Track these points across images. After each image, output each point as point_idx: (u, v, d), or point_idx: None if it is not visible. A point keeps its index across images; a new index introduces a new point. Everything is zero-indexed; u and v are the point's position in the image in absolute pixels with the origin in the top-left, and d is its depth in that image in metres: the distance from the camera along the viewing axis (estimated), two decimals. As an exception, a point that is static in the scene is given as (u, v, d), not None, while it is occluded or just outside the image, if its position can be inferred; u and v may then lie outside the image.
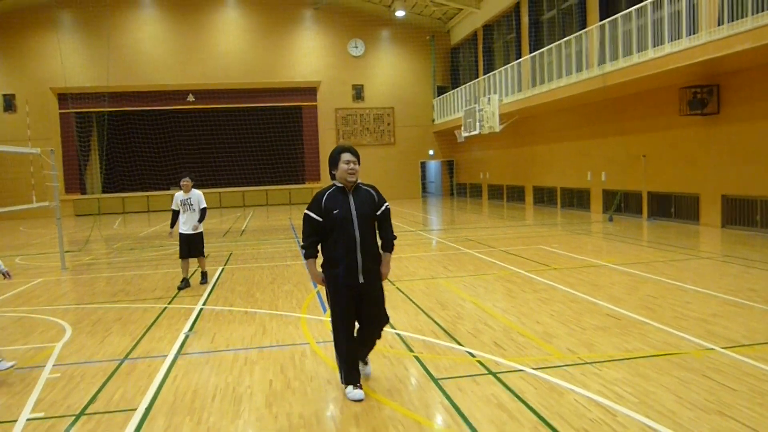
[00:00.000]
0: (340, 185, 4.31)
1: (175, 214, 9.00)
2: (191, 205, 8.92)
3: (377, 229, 4.41)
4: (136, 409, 4.22)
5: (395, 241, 4.48)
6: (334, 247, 4.24)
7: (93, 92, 26.56)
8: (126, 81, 28.10)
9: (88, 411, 4.23)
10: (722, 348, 5.15)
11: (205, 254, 9.58)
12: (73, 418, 4.11)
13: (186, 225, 8.92)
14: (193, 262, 9.94)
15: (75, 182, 28.71)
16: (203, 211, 9.00)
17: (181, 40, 28.91)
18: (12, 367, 5.09)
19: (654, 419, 3.78)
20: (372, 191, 4.39)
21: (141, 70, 28.49)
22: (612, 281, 8.19)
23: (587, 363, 4.89)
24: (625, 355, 5.06)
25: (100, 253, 13.70)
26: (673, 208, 15.51)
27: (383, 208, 4.37)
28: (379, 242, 4.46)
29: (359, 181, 4.39)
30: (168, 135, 29.80)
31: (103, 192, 29.45)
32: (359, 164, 4.35)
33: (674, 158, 15.25)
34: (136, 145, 29.57)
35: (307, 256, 4.37)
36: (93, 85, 26.53)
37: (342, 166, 4.25)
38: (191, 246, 8.98)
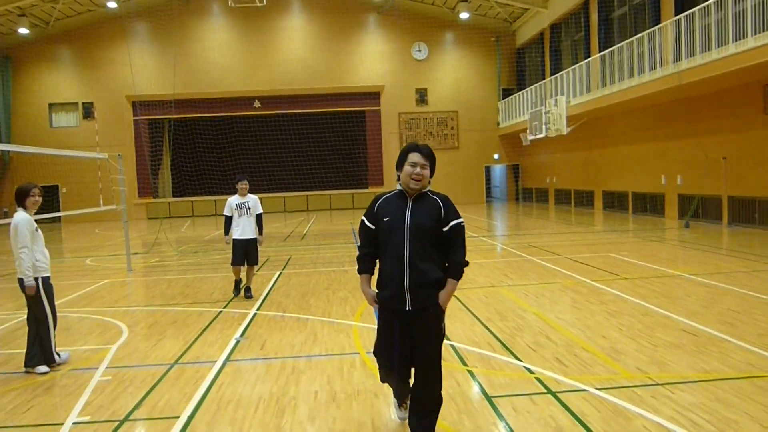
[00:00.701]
0: (402, 190, 3.56)
1: (228, 220, 8.42)
2: (249, 209, 8.40)
3: (443, 249, 3.51)
4: (178, 417, 4.14)
5: (466, 267, 3.56)
6: (384, 262, 3.53)
7: (163, 100, 27.57)
8: (194, 88, 29.03)
9: (132, 417, 4.18)
10: (817, 372, 4.58)
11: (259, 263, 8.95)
12: (117, 423, 4.07)
13: (239, 229, 8.36)
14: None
15: (147, 186, 29.86)
16: (260, 218, 8.49)
17: (247, 48, 29.61)
18: (46, 373, 5.24)
19: (736, 453, 3.34)
20: (440, 201, 3.52)
21: (208, 77, 29.37)
22: (688, 293, 7.58)
23: (659, 384, 4.45)
24: (702, 377, 4.58)
25: (165, 255, 14.06)
26: (756, 213, 14.42)
27: (453, 224, 3.47)
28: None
29: (429, 188, 3.58)
30: (234, 140, 30.54)
31: (173, 196, 30.53)
32: (432, 170, 3.54)
33: (758, 160, 14.18)
34: (204, 151, 30.44)
35: (360, 271, 3.66)
36: (163, 92, 27.54)
37: (407, 168, 3.47)
38: (248, 252, 8.38)
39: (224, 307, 7.85)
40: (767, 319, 6.18)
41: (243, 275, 8.66)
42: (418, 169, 3.45)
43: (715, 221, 15.74)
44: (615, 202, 21.45)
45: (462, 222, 3.51)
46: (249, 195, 8.53)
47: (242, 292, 8.55)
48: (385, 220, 3.49)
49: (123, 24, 28.35)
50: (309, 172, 30.96)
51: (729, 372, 4.67)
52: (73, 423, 4.12)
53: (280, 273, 10.62)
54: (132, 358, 5.67)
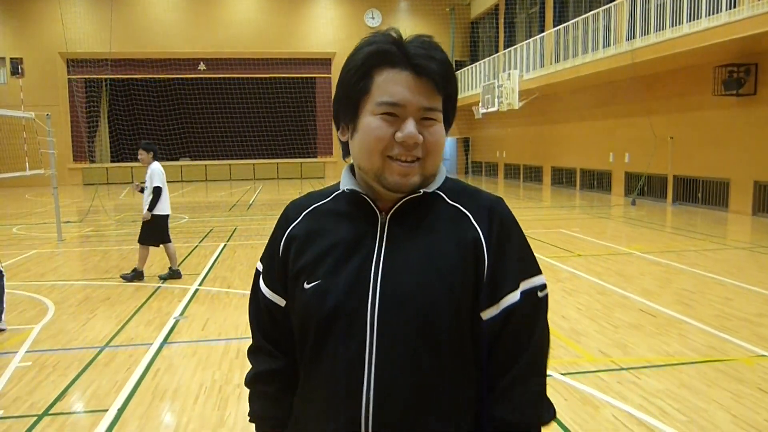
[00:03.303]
0: (356, 189, 1.21)
1: (159, 191, 7.27)
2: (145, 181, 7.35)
3: (481, 360, 1.20)
4: (107, 410, 3.69)
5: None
6: (311, 384, 1.22)
7: (100, 58, 25.95)
8: (135, 47, 27.44)
9: (52, 411, 3.70)
10: (777, 356, 4.53)
11: (171, 240, 7.60)
12: (35, 419, 3.59)
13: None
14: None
15: (82, 150, 28.27)
16: (156, 191, 7.22)
17: (192, 6, 28.12)
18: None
19: (711, 447, 3.19)
20: (472, 217, 1.20)
21: (151, 36, 27.79)
22: (642, 271, 7.54)
23: (623, 369, 4.29)
24: (665, 361, 4.45)
25: (101, 224, 13.23)
26: (700, 193, 14.73)
27: (517, 301, 1.17)
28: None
29: (439, 176, 1.25)
30: (177, 104, 29.18)
31: (112, 161, 29.04)
32: (448, 117, 1.23)
33: (704, 141, 14.43)
34: (145, 114, 29.00)
35: (253, 416, 1.36)
36: (100, 50, 25.91)
37: (373, 124, 1.14)
38: (142, 229, 7.44)
39: (162, 282, 7.32)
40: (720, 299, 6.16)
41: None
42: (410, 128, 1.13)
43: (660, 199, 16.04)
44: (563, 178, 21.66)
45: (543, 286, 1.23)
46: (153, 164, 7.33)
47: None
48: (307, 283, 1.19)
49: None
50: (256, 139, 30.00)
51: (691, 355, 4.57)
52: (-17, 417, 3.62)
53: (225, 245, 10.09)
54: (57, 340, 5.13)
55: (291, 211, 1.31)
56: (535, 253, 1.26)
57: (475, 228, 1.18)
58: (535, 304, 1.20)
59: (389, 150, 1.13)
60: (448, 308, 1.13)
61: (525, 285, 1.19)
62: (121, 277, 7.47)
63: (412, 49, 1.15)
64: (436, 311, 1.12)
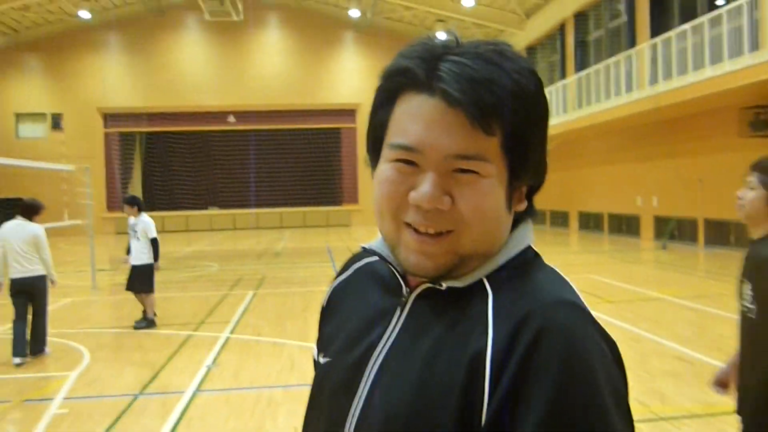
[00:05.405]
0: (382, 252, 0.85)
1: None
2: (136, 232, 7.65)
3: None
4: (142, 458, 3.74)
5: None
6: None
7: (135, 113, 26.97)
8: (168, 102, 28.46)
9: (89, 458, 3.76)
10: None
11: (154, 291, 7.83)
12: (72, 466, 3.65)
13: (132, 254, 7.72)
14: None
15: (117, 200, 29.03)
16: (154, 243, 7.60)
17: (222, 62, 29.20)
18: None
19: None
20: (492, 328, 0.72)
21: (182, 90, 28.83)
22: (676, 317, 7.40)
23: (662, 419, 4.20)
24: (706, 410, 4.34)
25: (133, 273, 13.47)
26: (732, 236, 14.48)
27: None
28: None
29: (502, 253, 0.80)
30: (207, 155, 30.00)
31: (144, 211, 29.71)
32: (526, 151, 0.78)
33: (733, 183, 14.14)
34: (176, 165, 29.83)
35: None
36: (135, 105, 26.94)
37: (385, 176, 0.79)
38: (132, 278, 7.71)
39: (195, 330, 7.41)
40: (760, 346, 6.00)
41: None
42: (426, 187, 0.74)
43: (691, 243, 15.78)
44: (590, 222, 21.49)
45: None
46: (141, 215, 7.70)
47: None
48: (323, 358, 0.92)
49: (96, 34, 27.72)
50: (283, 188, 30.52)
51: (732, 405, 4.44)
52: (22, 465, 3.68)
53: (254, 293, 10.19)
54: (93, 387, 5.21)
55: (349, 260, 1.01)
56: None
57: (487, 335, 0.71)
58: None
59: (403, 214, 0.77)
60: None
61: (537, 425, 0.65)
62: (135, 328, 7.54)
63: (449, 65, 0.74)
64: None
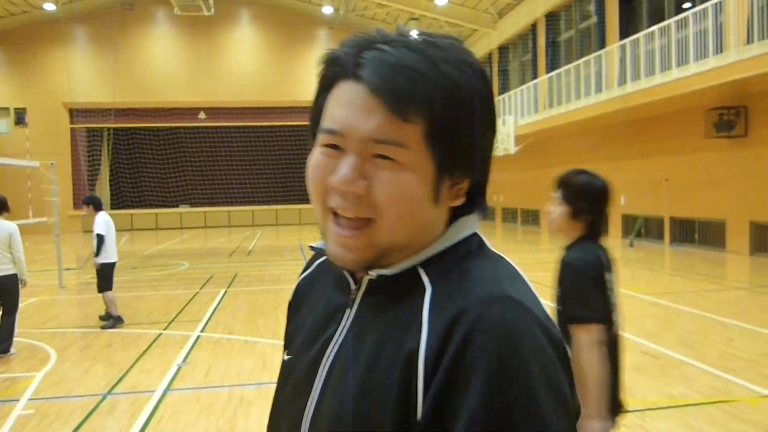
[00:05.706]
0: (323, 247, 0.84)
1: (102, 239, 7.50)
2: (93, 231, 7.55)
3: None
4: (111, 459, 3.68)
5: None
6: None
7: (102, 108, 26.44)
8: (137, 97, 27.97)
9: (56, 459, 3.69)
10: (782, 396, 4.53)
11: (113, 288, 7.74)
12: (38, 468, 3.58)
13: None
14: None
15: (83, 198, 28.47)
16: (98, 238, 7.40)
17: (193, 57, 28.82)
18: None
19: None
20: (426, 317, 0.73)
21: (152, 86, 28.36)
22: (643, 313, 7.56)
23: (627, 411, 4.28)
24: (670, 403, 4.45)
25: (101, 271, 13.22)
26: (697, 234, 14.85)
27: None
28: None
29: (440, 242, 0.80)
30: (177, 152, 29.62)
31: (112, 208, 29.18)
32: (466, 136, 0.78)
33: (699, 182, 14.63)
34: (145, 162, 29.38)
35: None
36: (102, 100, 26.42)
37: (313, 157, 0.81)
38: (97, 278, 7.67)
39: (164, 329, 7.31)
40: (723, 340, 6.18)
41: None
42: (344, 169, 0.75)
43: (657, 241, 16.13)
44: (561, 220, 21.78)
45: None
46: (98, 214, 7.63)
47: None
48: (287, 355, 0.93)
49: (61, 27, 27.06)
50: (255, 186, 30.30)
51: (696, 397, 4.57)
52: (-14, 467, 3.60)
53: (225, 291, 10.09)
54: (59, 387, 5.11)
55: (313, 256, 1.02)
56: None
57: (421, 333, 0.71)
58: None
59: (329, 199, 0.77)
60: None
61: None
62: (101, 328, 7.41)
63: (373, 53, 0.76)
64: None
